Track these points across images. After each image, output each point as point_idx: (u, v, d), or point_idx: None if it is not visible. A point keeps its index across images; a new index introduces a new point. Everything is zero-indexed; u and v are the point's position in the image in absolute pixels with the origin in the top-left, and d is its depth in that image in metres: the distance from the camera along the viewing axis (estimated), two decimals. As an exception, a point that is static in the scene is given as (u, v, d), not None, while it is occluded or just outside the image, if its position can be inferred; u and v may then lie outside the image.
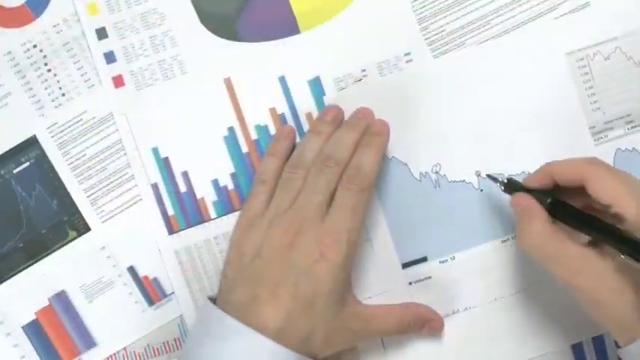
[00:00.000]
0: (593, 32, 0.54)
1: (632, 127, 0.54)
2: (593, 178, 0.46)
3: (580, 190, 0.47)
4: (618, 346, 0.48)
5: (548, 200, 0.48)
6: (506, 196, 0.54)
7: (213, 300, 0.51)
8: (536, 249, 0.47)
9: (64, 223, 0.54)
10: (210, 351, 0.48)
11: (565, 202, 0.48)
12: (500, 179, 0.51)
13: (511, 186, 0.51)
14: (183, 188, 0.54)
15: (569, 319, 0.54)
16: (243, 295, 0.49)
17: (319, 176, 0.50)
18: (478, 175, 0.54)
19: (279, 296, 0.48)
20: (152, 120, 0.54)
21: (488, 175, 0.52)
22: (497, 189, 0.54)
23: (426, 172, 0.54)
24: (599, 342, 0.55)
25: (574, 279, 0.46)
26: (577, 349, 0.55)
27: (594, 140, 0.54)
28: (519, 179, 0.53)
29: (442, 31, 0.54)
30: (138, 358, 0.55)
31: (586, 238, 0.47)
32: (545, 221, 0.47)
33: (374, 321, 0.52)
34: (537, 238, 0.47)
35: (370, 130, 0.52)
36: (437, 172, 0.54)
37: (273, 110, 0.54)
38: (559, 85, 0.54)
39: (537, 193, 0.49)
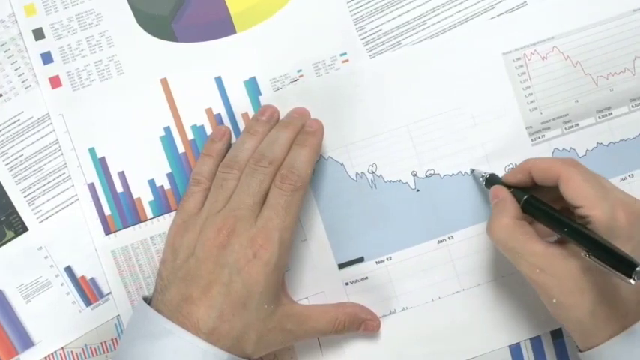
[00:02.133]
0: (530, 32, 0.54)
1: (569, 128, 0.54)
2: (565, 179, 0.47)
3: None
4: (579, 350, 0.48)
5: (525, 197, 0.49)
6: (442, 197, 0.54)
7: (149, 300, 0.51)
8: (501, 242, 0.48)
9: (1, 223, 0.54)
10: (142, 350, 0.48)
11: (539, 200, 0.48)
12: (482, 174, 0.52)
13: (491, 181, 0.52)
14: (119, 188, 0.54)
15: (506, 320, 0.54)
16: (176, 295, 0.49)
17: (252, 176, 0.50)
18: (414, 175, 0.54)
19: (211, 296, 0.48)
20: (89, 120, 0.54)
21: (472, 170, 0.53)
22: (434, 190, 0.54)
23: (362, 173, 0.54)
24: (536, 342, 0.54)
25: (536, 276, 0.47)
26: (515, 350, 0.54)
27: (531, 140, 0.54)
28: (456, 180, 0.54)
29: (378, 31, 0.54)
30: (76, 357, 0.55)
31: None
32: (514, 216, 0.48)
33: (309, 321, 0.52)
34: (504, 231, 0.48)
35: (304, 130, 0.52)
36: (373, 173, 0.54)
37: (209, 110, 0.54)
38: (496, 85, 0.54)
39: (516, 190, 0.50)
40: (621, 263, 0.42)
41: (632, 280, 0.41)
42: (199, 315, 0.48)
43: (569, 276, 0.46)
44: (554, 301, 0.46)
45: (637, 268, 0.41)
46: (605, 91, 0.54)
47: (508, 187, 0.50)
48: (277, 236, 0.49)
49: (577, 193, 0.46)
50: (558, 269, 0.46)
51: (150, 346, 0.48)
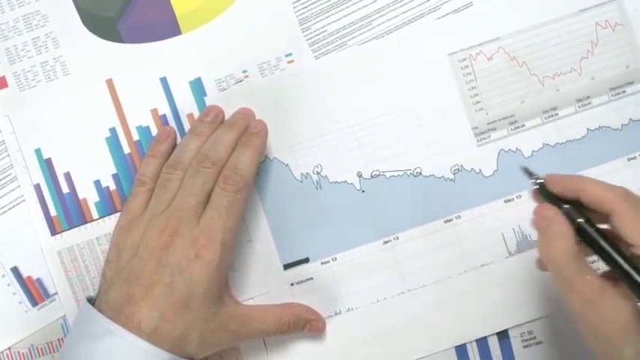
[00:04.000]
0: (476, 32, 0.54)
1: (515, 128, 0.54)
2: (619, 215, 0.42)
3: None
4: None
5: (578, 220, 0.43)
6: (388, 198, 0.54)
7: (94, 300, 0.51)
8: (556, 269, 0.43)
9: (-52, 223, 0.55)
10: (85, 351, 0.48)
11: (594, 227, 0.43)
12: (537, 179, 0.46)
13: (542, 190, 0.45)
14: (65, 189, 0.55)
15: (452, 321, 0.54)
16: (119, 295, 0.49)
17: (195, 177, 0.50)
18: (360, 175, 0.54)
19: (153, 296, 0.48)
20: (35, 121, 0.55)
21: (526, 169, 0.47)
22: (379, 191, 0.54)
23: (307, 173, 0.54)
24: (482, 344, 0.54)
25: (586, 309, 0.42)
26: (461, 351, 0.54)
27: (477, 141, 0.54)
28: (401, 180, 0.53)
29: (324, 31, 0.54)
30: (22, 358, 0.55)
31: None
32: (572, 242, 0.43)
33: (253, 321, 0.52)
34: (560, 258, 0.43)
35: (248, 130, 0.52)
36: (318, 173, 0.54)
37: (154, 111, 0.55)
38: (442, 86, 0.54)
39: (569, 208, 0.44)
40: None
41: None
42: (141, 315, 0.48)
43: (621, 316, 0.42)
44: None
45: None
46: (551, 92, 0.54)
47: (557, 200, 0.44)
48: (220, 237, 0.49)
49: (631, 231, 0.41)
50: (611, 306, 0.42)
51: (93, 346, 0.48)
